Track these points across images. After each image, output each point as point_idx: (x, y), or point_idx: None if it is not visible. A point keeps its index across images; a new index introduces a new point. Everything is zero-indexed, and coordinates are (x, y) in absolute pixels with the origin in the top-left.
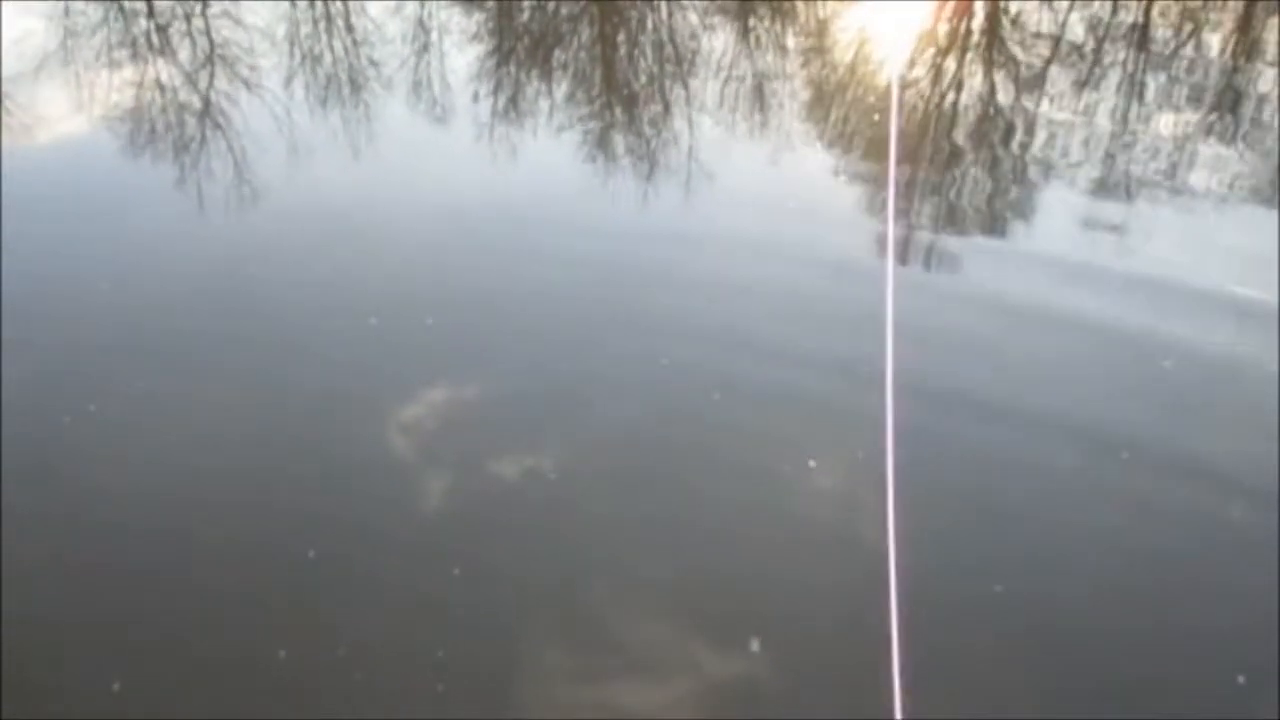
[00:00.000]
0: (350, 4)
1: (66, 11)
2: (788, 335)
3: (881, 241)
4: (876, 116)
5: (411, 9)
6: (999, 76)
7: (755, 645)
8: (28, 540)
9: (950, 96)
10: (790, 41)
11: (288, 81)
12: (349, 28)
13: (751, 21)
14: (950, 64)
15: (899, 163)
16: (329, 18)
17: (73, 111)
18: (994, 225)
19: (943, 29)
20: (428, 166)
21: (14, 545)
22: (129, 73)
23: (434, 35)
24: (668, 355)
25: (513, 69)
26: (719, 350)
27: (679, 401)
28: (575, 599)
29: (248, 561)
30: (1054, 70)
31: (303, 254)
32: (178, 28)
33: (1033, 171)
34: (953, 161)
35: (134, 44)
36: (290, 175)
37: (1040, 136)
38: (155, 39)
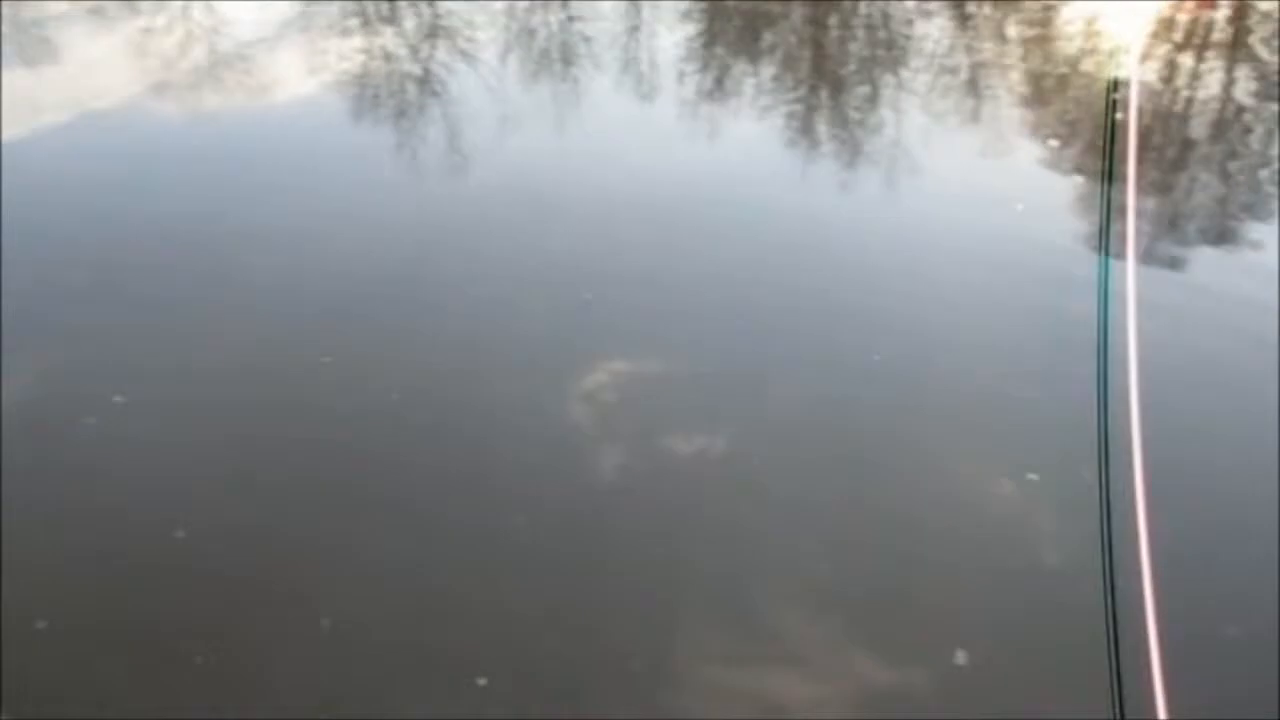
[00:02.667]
0: None
1: None
2: (994, 337)
3: (1107, 244)
4: (1116, 114)
5: None
6: (1244, 74)
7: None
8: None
9: (1189, 95)
10: (1012, 30)
11: (503, 54)
12: (564, 3)
13: (970, 8)
14: (1189, 59)
15: (1130, 163)
16: None
17: (305, 75)
18: (1231, 233)
19: (1182, 20)
20: (631, 142)
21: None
22: (358, 40)
23: (645, 13)
24: (874, 349)
25: (721, 49)
26: (921, 347)
27: (882, 401)
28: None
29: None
30: None
31: (510, 226)
32: None
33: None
34: (1190, 164)
35: (364, 13)
36: (497, 145)
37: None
38: (384, 9)
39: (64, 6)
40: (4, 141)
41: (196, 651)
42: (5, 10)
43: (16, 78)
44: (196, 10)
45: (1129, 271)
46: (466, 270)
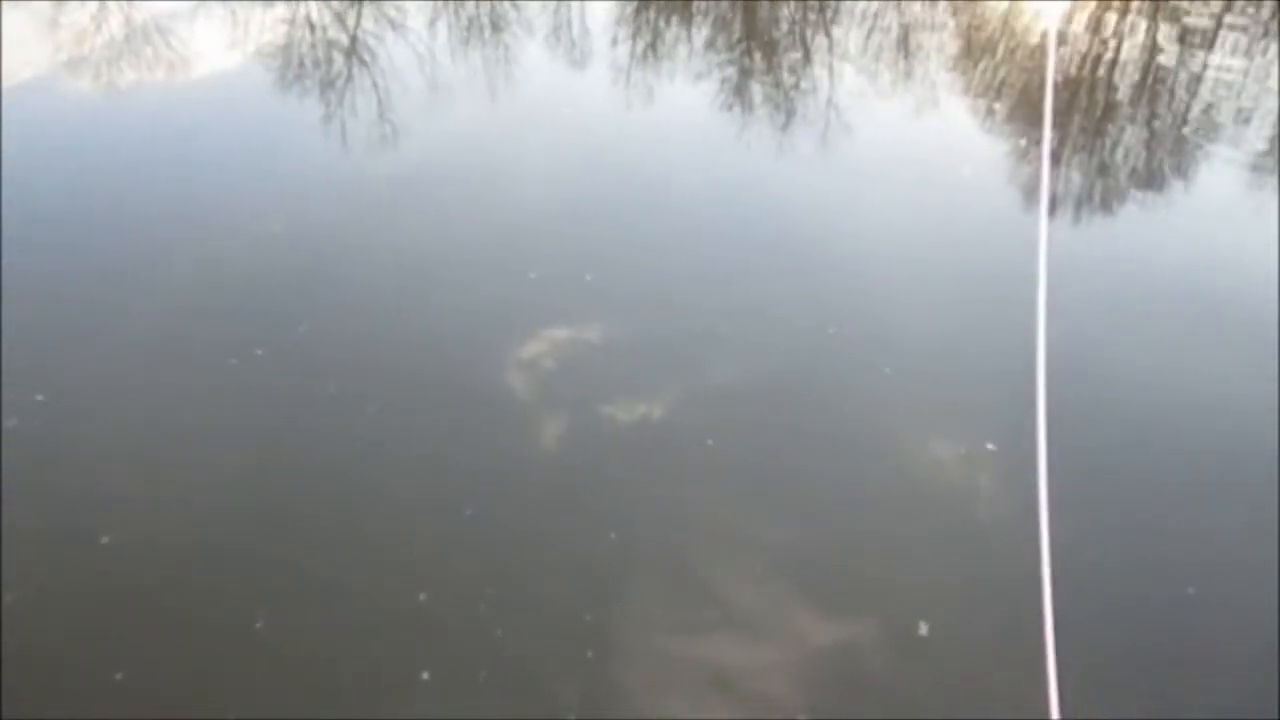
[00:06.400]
0: None
1: None
2: (928, 292)
3: (1030, 200)
4: (1033, 73)
5: None
6: (1164, 32)
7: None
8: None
9: (1109, 52)
10: None
11: (431, 22)
12: None
13: None
14: (1111, 17)
15: (1053, 118)
16: None
17: (227, 47)
18: (1149, 184)
19: None
20: (564, 109)
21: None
22: (281, 10)
23: None
24: (830, 321)
25: (652, 14)
26: (866, 310)
27: (821, 358)
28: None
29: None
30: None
31: (444, 203)
32: None
33: (1193, 130)
34: (1109, 118)
35: None
36: (429, 115)
37: (1204, 94)
38: None
39: None
40: None
41: None
42: None
43: None
44: None
45: (1042, 220)
46: (398, 241)
